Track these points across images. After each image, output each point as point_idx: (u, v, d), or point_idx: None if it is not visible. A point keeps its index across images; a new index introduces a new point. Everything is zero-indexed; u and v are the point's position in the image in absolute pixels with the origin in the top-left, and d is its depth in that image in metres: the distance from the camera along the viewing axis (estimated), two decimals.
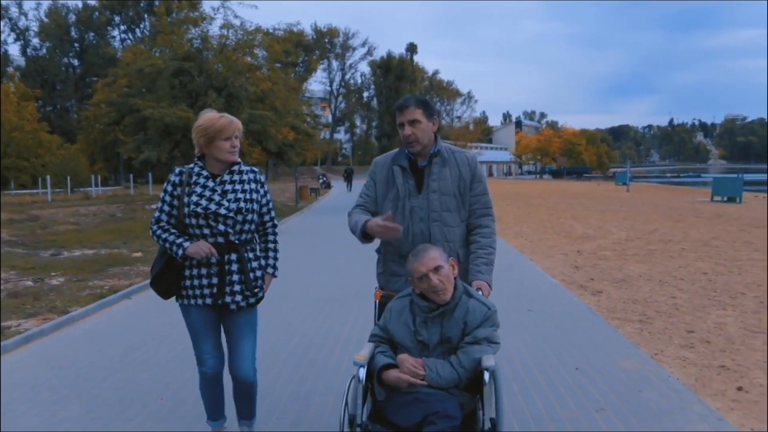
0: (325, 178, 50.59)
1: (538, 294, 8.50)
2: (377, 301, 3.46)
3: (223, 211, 3.39)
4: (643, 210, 25.51)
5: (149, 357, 5.73)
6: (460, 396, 2.98)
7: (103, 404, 4.63)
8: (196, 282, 3.47)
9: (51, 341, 6.52)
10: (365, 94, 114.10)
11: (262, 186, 3.63)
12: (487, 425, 2.77)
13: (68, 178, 33.72)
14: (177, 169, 3.57)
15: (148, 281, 3.80)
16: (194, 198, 3.40)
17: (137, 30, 76.70)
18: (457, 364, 2.98)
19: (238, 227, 3.44)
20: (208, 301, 3.47)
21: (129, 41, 76.25)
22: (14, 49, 73.75)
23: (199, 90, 25.08)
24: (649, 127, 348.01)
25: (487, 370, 2.84)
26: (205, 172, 3.47)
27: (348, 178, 46.58)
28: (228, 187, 3.45)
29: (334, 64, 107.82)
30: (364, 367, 2.95)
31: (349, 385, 2.93)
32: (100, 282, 9.35)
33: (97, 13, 73.25)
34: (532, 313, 7.25)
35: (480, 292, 3.25)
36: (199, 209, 3.38)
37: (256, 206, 3.53)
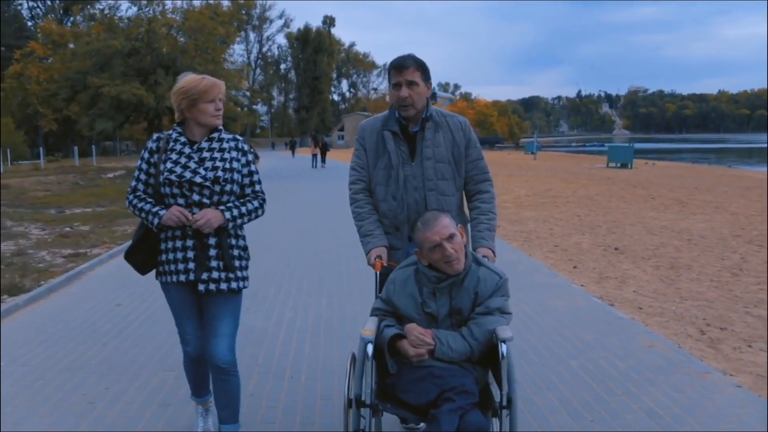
0: (253, 149, 52.77)
1: None
2: (377, 273, 3.23)
3: (198, 179, 3.11)
4: (545, 174, 29.23)
5: None
6: (474, 370, 2.86)
7: None
8: (171, 256, 3.20)
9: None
10: (282, 66, 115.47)
11: (245, 155, 3.30)
12: (504, 400, 2.66)
13: (8, 150, 34.79)
14: (155, 136, 3.34)
15: None
16: (168, 165, 3.14)
17: None
18: (469, 336, 2.83)
19: (215, 197, 3.16)
20: (182, 278, 3.18)
21: (39, 10, 74.42)
22: None
23: (149, 68, 26.67)
24: (559, 98, 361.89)
25: (504, 342, 2.68)
26: (182, 138, 3.20)
27: (293, 147, 53.57)
28: (206, 154, 3.17)
29: (252, 36, 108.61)
30: (372, 342, 2.73)
31: (351, 362, 2.84)
32: (121, 228, 11.78)
33: None
34: None
35: (485, 260, 3.09)
36: (173, 177, 3.11)
37: (236, 176, 3.21)
